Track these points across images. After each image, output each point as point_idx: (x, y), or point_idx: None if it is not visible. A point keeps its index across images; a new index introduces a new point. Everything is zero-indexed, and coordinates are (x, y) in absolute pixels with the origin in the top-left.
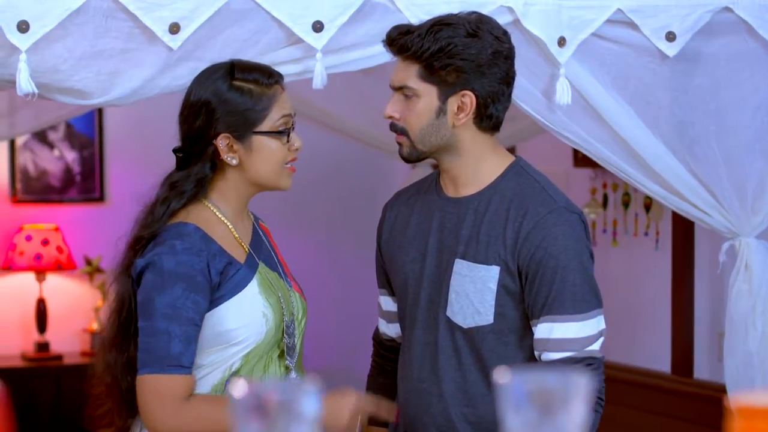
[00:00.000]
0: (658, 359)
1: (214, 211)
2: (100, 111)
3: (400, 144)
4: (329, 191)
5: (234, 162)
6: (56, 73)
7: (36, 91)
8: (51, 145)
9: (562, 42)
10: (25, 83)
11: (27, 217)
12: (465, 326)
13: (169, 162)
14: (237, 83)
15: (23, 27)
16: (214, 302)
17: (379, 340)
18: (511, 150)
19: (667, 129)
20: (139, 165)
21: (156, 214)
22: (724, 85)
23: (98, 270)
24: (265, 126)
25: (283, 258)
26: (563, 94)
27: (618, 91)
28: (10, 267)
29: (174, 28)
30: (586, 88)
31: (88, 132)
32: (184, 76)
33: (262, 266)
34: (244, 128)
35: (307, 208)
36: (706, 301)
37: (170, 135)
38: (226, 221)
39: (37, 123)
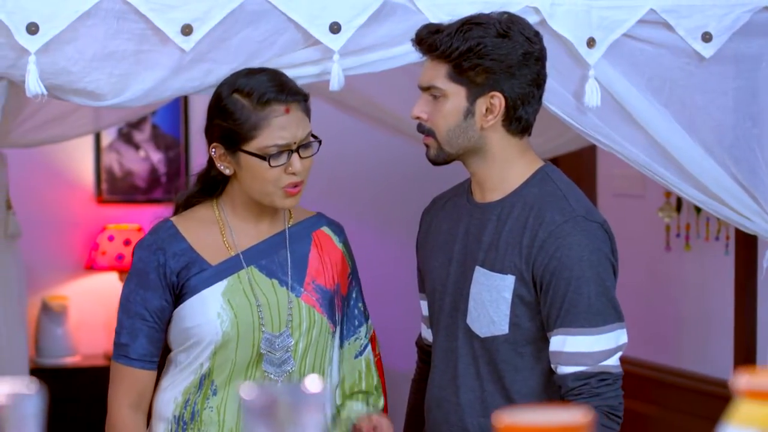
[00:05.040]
0: (726, 367)
1: (216, 211)
2: (185, 112)
3: (427, 146)
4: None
5: (228, 172)
6: (68, 75)
7: (45, 92)
8: (137, 146)
9: (591, 43)
10: (33, 85)
11: (112, 217)
12: (482, 335)
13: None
14: (235, 95)
15: (32, 29)
16: (179, 300)
17: (420, 345)
18: (589, 150)
19: (706, 132)
20: None
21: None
22: (764, 87)
23: None
24: (253, 146)
25: (326, 270)
26: (592, 96)
27: (653, 93)
28: (92, 267)
29: (186, 30)
30: (618, 89)
31: (173, 133)
32: (197, 77)
33: (250, 270)
34: (231, 143)
35: (389, 212)
36: None
37: None
38: (221, 223)
39: (122, 116)
